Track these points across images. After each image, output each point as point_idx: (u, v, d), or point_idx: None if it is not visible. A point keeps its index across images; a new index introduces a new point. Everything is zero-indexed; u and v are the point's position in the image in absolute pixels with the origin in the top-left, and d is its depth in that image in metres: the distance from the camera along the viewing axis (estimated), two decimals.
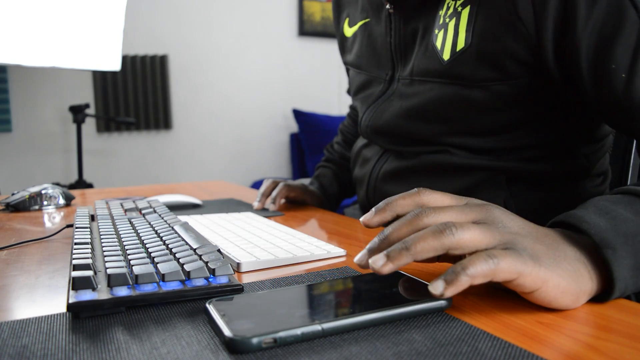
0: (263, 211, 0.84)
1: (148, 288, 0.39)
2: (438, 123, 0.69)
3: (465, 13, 0.63)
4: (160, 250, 0.47)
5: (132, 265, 0.41)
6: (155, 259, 0.44)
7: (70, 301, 0.36)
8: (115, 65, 2.22)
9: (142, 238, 0.53)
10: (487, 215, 0.37)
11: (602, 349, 0.31)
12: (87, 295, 0.37)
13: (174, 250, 0.47)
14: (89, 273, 0.38)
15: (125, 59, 2.69)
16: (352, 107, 1.08)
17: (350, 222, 0.75)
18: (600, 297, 0.38)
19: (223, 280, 0.41)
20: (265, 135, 3.17)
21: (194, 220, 0.73)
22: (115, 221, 0.63)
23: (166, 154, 2.91)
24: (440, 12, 0.67)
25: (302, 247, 0.56)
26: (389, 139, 0.78)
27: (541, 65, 0.60)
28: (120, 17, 2.20)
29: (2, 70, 2.44)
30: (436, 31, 0.67)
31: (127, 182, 2.79)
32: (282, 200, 0.89)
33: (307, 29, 3.23)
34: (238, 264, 0.49)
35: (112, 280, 0.38)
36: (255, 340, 0.30)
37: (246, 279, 0.47)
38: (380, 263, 0.35)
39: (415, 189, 0.41)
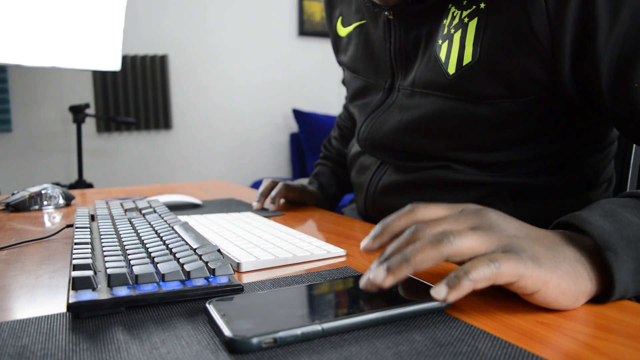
0: (263, 211, 0.84)
1: (148, 288, 0.39)
2: (440, 138, 0.66)
3: (472, 25, 0.59)
4: (160, 250, 0.47)
5: (132, 265, 0.41)
6: (155, 259, 0.44)
7: (70, 301, 0.36)
8: (115, 65, 2.22)
9: (142, 238, 0.53)
10: (484, 221, 0.37)
11: (602, 348, 0.31)
12: (87, 295, 0.37)
13: (174, 250, 0.47)
14: (89, 273, 0.38)
15: (125, 59, 2.69)
16: (347, 98, 1.06)
17: (350, 222, 0.75)
18: (600, 298, 0.38)
19: (223, 280, 0.41)
20: (265, 135, 3.17)
21: (194, 220, 0.73)
22: (115, 221, 0.63)
23: (166, 154, 2.91)
24: (445, 21, 0.63)
25: (302, 247, 0.56)
26: (389, 153, 0.74)
27: (555, 82, 0.57)
28: (120, 17, 2.20)
29: (2, 70, 2.45)
30: (440, 41, 0.63)
31: (127, 182, 2.79)
32: (282, 201, 0.89)
33: (307, 29, 3.22)
34: (238, 264, 0.49)
35: (112, 280, 0.38)
36: (255, 340, 0.30)
37: (246, 279, 0.47)
38: (381, 277, 0.35)
39: (409, 205, 0.40)
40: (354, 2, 0.80)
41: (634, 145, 0.83)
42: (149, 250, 0.47)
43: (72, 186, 2.25)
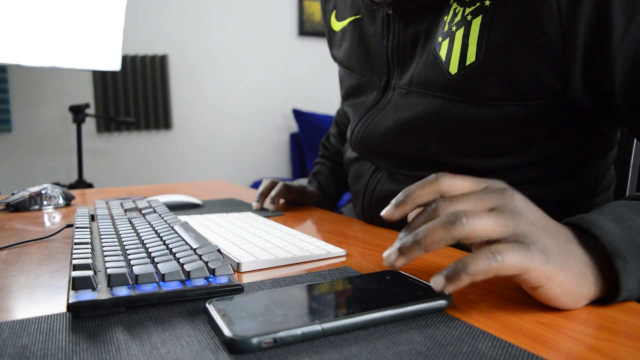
0: (263, 211, 0.84)
1: (148, 288, 0.39)
2: (438, 141, 0.63)
3: (476, 23, 0.56)
4: (160, 250, 0.47)
5: (132, 265, 0.41)
6: (155, 259, 0.44)
7: (70, 301, 0.36)
8: (115, 65, 2.22)
9: (142, 238, 0.53)
10: (506, 202, 0.37)
11: (602, 349, 0.31)
12: (87, 295, 0.37)
13: (174, 250, 0.47)
14: (89, 273, 0.38)
15: (125, 59, 2.69)
16: (341, 95, 1.05)
17: (350, 222, 0.75)
18: (602, 301, 0.38)
19: (223, 280, 0.41)
20: (265, 135, 3.17)
21: (194, 220, 0.73)
22: (115, 221, 0.63)
23: (166, 154, 2.91)
24: (446, 17, 0.60)
25: (302, 247, 0.56)
26: (384, 157, 0.72)
27: (565, 85, 0.54)
28: (120, 17, 2.20)
29: (2, 70, 2.45)
30: (440, 39, 0.61)
31: (127, 182, 2.79)
32: (282, 201, 0.89)
33: (307, 29, 3.23)
34: (238, 264, 0.49)
35: (112, 280, 0.38)
36: (255, 340, 0.30)
37: (246, 279, 0.47)
38: (393, 257, 0.36)
39: (434, 174, 0.40)
40: None
41: (634, 145, 0.83)
42: (149, 250, 0.47)
43: (72, 186, 2.25)
